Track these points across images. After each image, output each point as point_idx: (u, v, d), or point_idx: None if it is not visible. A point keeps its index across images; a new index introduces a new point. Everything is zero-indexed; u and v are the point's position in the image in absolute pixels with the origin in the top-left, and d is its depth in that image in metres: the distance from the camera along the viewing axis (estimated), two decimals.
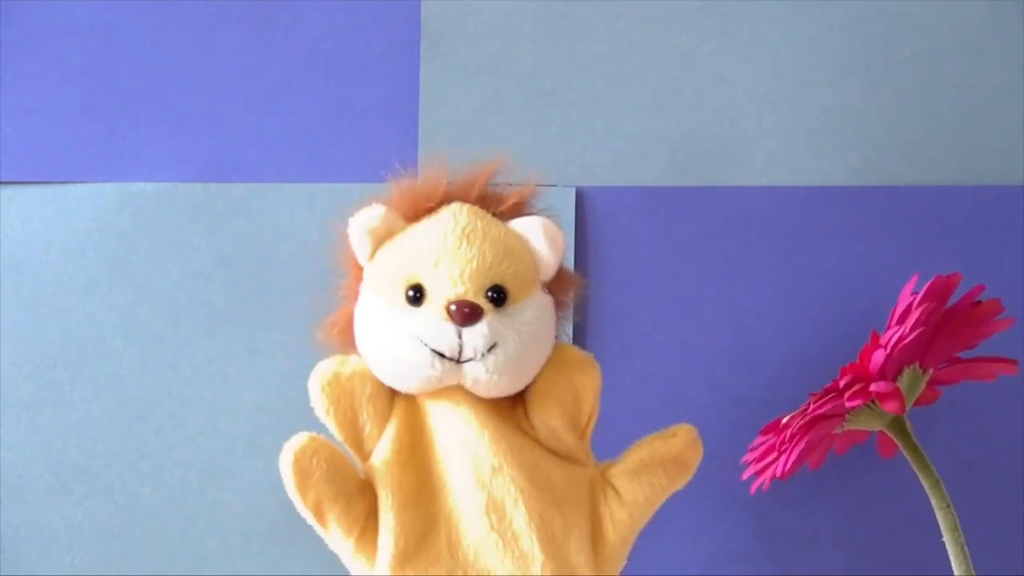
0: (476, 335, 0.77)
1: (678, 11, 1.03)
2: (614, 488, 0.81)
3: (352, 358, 0.81)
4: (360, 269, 0.82)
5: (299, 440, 0.80)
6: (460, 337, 0.77)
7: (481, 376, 0.77)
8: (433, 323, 0.77)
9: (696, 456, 0.82)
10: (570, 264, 1.01)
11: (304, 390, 1.01)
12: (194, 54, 1.03)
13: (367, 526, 0.79)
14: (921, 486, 0.86)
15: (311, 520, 0.80)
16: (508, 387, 0.79)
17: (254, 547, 1.00)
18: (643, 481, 0.81)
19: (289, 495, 0.80)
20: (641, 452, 0.81)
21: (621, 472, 0.81)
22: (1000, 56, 1.02)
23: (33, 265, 1.02)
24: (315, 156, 1.03)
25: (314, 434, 0.80)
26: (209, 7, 1.03)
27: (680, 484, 0.82)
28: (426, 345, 0.77)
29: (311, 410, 1.01)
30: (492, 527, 0.78)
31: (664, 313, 1.01)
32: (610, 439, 1.01)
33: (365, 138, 1.03)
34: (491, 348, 0.77)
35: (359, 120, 1.03)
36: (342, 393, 0.80)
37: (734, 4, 1.03)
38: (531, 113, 1.03)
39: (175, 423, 1.01)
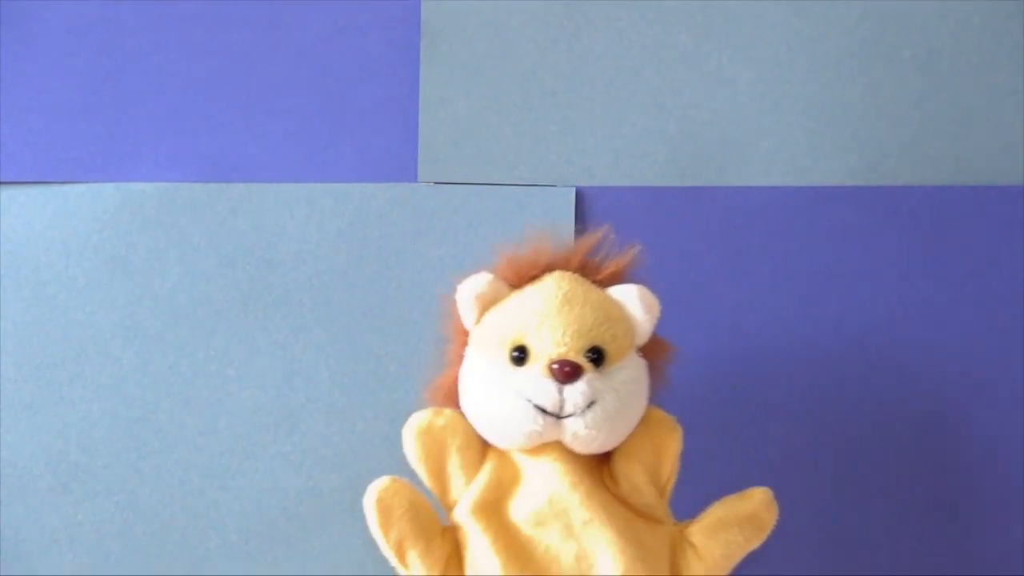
0: (576, 392, 0.82)
1: (678, 11, 1.03)
2: (692, 545, 0.86)
3: (446, 410, 0.87)
4: (466, 333, 0.87)
5: (382, 481, 0.84)
6: (561, 393, 0.82)
7: (580, 431, 0.82)
8: (536, 381, 0.82)
9: (771, 517, 0.87)
10: None
11: (303, 389, 1.02)
12: (194, 54, 1.03)
13: (447, 569, 0.84)
14: None
15: (393, 560, 0.84)
16: (605, 443, 0.84)
17: (254, 547, 1.00)
18: (720, 538, 0.86)
19: (372, 533, 0.84)
20: (718, 511, 0.86)
21: (699, 530, 0.86)
22: (1000, 56, 1.02)
23: (33, 265, 1.02)
24: (315, 156, 1.03)
25: (396, 476, 0.85)
26: (209, 7, 1.03)
27: (756, 543, 0.86)
28: (529, 401, 0.82)
29: (310, 410, 1.02)
30: None
31: (664, 313, 1.01)
32: None
33: (365, 138, 1.03)
34: (590, 405, 0.82)
35: (359, 120, 1.03)
36: (434, 442, 0.86)
37: (734, 4, 1.03)
38: (531, 113, 1.03)
39: (175, 423, 1.01)
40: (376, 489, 0.83)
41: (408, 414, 1.01)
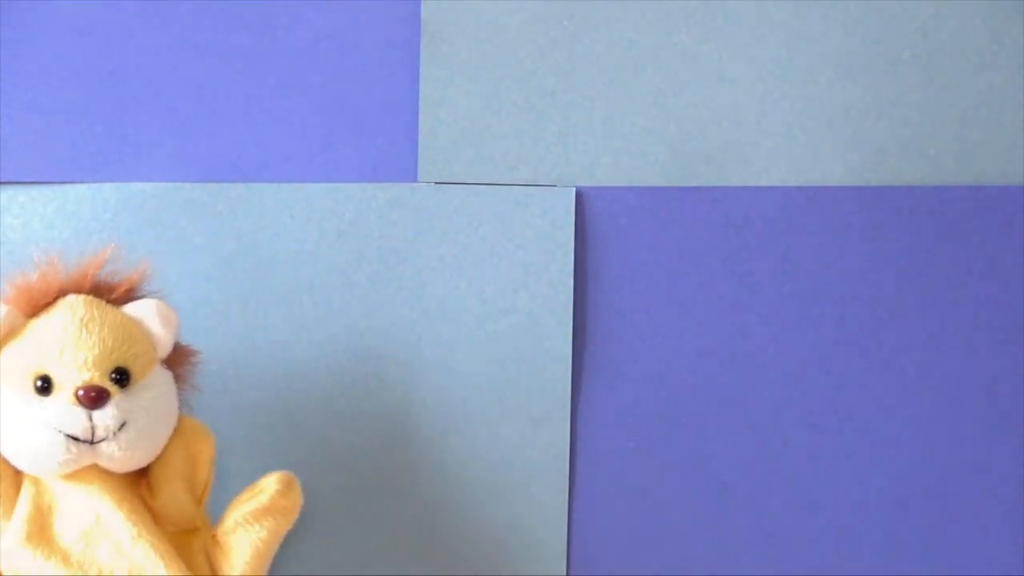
0: (106, 416, 0.83)
1: (678, 11, 1.03)
2: (220, 546, 0.88)
3: None
4: None
5: None
6: (91, 420, 0.83)
7: (115, 454, 0.84)
8: (64, 410, 0.83)
9: (291, 501, 0.89)
10: (570, 264, 1.01)
11: (305, 390, 1.02)
12: (194, 54, 1.03)
13: None
14: None
15: None
16: (141, 460, 0.86)
17: None
18: (242, 538, 0.87)
19: None
20: (234, 513, 0.88)
21: (223, 532, 0.88)
22: (1000, 56, 1.02)
23: (33, 265, 1.02)
24: (315, 156, 1.03)
25: None
26: (209, 7, 1.03)
27: (286, 527, 0.89)
28: (60, 431, 0.83)
29: (309, 409, 1.02)
30: None
31: (664, 313, 1.01)
32: (605, 444, 1.02)
33: (365, 138, 1.03)
34: (122, 426, 0.84)
35: (359, 120, 1.03)
36: None
37: (734, 4, 1.03)
38: (531, 113, 1.03)
39: None
40: None
41: (409, 414, 1.01)
